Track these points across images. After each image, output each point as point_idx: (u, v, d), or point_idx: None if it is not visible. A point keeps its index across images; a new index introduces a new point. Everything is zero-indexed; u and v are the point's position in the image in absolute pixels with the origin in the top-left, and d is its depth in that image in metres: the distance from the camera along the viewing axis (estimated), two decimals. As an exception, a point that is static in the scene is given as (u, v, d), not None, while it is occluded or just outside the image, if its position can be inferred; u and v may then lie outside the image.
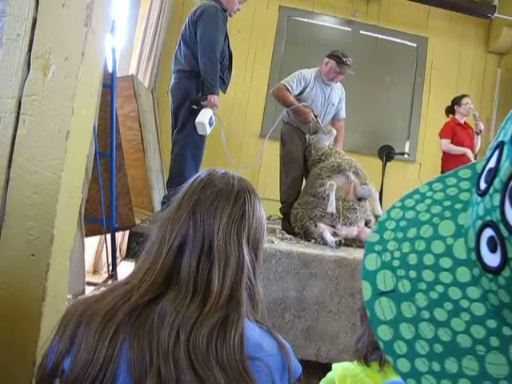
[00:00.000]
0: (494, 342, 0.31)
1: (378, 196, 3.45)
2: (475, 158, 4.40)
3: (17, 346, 1.26)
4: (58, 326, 0.80)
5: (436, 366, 0.32)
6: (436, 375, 0.31)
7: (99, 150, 2.52)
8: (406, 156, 5.40)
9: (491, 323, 0.32)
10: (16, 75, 1.34)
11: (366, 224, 3.39)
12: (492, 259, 0.31)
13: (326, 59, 3.71)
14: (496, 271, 0.31)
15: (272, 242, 2.88)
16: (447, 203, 0.40)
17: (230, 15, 3.32)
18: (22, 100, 1.35)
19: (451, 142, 4.44)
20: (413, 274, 0.36)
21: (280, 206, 3.81)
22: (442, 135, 4.52)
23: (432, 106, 5.70)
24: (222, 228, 0.84)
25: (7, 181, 1.32)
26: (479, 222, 0.32)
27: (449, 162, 4.44)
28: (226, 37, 3.26)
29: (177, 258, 0.83)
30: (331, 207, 3.16)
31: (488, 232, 0.31)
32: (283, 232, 3.44)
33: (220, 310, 0.80)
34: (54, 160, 1.35)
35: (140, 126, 3.55)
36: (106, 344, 0.75)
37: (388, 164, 5.02)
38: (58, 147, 1.35)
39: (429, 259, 0.36)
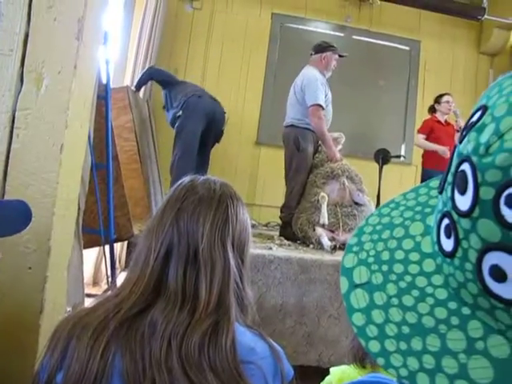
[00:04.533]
0: (455, 320, 0.35)
1: (373, 207, 3.46)
2: None
3: (15, 359, 1.26)
4: (49, 341, 0.80)
5: (403, 345, 0.35)
6: (403, 353, 0.35)
7: (95, 162, 2.52)
8: (402, 159, 5.40)
9: (452, 305, 0.36)
10: (9, 90, 1.35)
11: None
12: (448, 244, 0.35)
13: (321, 54, 3.74)
14: (452, 254, 0.35)
15: (270, 249, 2.88)
16: (418, 208, 0.45)
17: None
18: (16, 114, 1.36)
19: (427, 139, 4.47)
20: (385, 267, 0.41)
21: (279, 211, 3.79)
22: (419, 130, 4.61)
23: (427, 108, 5.72)
24: (206, 234, 0.84)
25: (3, 195, 1.32)
26: (439, 216, 0.37)
27: (429, 158, 4.51)
28: None
29: (164, 267, 0.84)
30: (323, 218, 3.18)
31: (445, 221, 0.35)
32: (281, 238, 3.44)
33: (210, 317, 0.80)
34: (48, 173, 1.36)
35: (136, 137, 3.55)
36: (98, 357, 0.74)
37: (384, 167, 5.01)
38: (52, 160, 1.36)
39: (399, 254, 0.41)
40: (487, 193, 0.30)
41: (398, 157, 5.27)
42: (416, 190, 0.48)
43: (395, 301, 0.38)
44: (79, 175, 1.59)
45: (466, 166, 0.32)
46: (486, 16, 5.35)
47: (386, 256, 0.41)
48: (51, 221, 1.34)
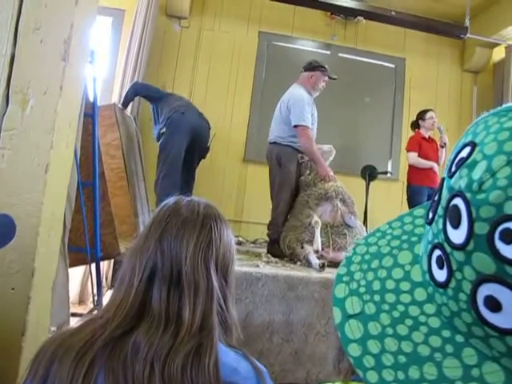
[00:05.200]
0: (449, 348, 0.36)
1: (365, 232, 3.48)
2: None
3: (-3, 382, 1.24)
4: (31, 364, 0.80)
5: (401, 375, 0.36)
6: (401, 383, 0.36)
7: (82, 180, 2.51)
8: (388, 175, 5.46)
9: (446, 333, 0.37)
10: (-6, 110, 1.36)
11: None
12: (441, 275, 0.36)
13: (309, 73, 3.77)
14: (445, 285, 0.36)
15: (257, 266, 2.87)
16: (404, 237, 0.46)
17: None
18: (1, 134, 1.36)
19: (418, 156, 4.49)
20: (377, 297, 0.41)
21: (266, 229, 3.79)
22: (409, 148, 4.58)
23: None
24: (190, 257, 0.85)
25: (-14, 215, 1.32)
26: (429, 246, 0.38)
27: (415, 174, 4.50)
28: None
29: (148, 289, 0.84)
30: (316, 244, 3.19)
31: (436, 252, 0.37)
32: (268, 255, 3.43)
33: (193, 339, 0.80)
34: (33, 193, 1.36)
35: (123, 154, 3.55)
36: (80, 380, 0.74)
37: (371, 184, 5.07)
38: (37, 180, 1.36)
39: (390, 284, 0.42)
40: (482, 228, 0.31)
41: (385, 173, 5.33)
42: (401, 219, 0.50)
43: (390, 330, 0.39)
44: (64, 195, 1.59)
45: (458, 201, 0.33)
46: (468, 35, 5.46)
47: (377, 286, 0.42)
48: (35, 241, 1.34)
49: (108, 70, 5.01)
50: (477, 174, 0.32)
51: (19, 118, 1.37)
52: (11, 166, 1.35)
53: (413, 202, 4.48)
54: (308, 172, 3.65)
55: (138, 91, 4.19)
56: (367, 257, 0.46)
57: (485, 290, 0.32)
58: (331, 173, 3.56)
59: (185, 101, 4.26)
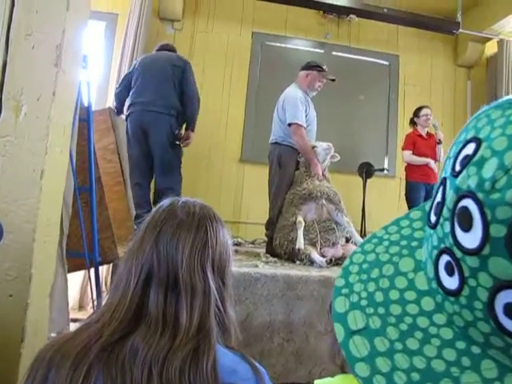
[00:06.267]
0: (466, 361, 0.33)
1: (353, 228, 3.51)
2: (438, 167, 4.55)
3: (-3, 389, 1.24)
4: (29, 371, 0.79)
5: None
6: None
7: (78, 185, 2.51)
8: (385, 172, 5.47)
9: (460, 344, 0.34)
10: (-12, 118, 1.36)
11: (348, 241, 3.43)
12: (451, 283, 0.33)
13: (305, 71, 3.77)
14: (456, 293, 0.33)
15: (256, 266, 2.88)
16: (404, 243, 0.43)
17: None
18: (-5, 142, 1.36)
19: (413, 153, 4.54)
20: (381, 310, 0.38)
21: (264, 229, 3.80)
22: (404, 147, 4.66)
23: (408, 120, 5.81)
24: (186, 259, 0.84)
25: (-18, 222, 1.31)
26: (435, 252, 0.35)
27: (412, 171, 4.57)
28: None
29: (144, 292, 0.84)
30: (299, 243, 3.19)
31: (444, 258, 0.34)
32: (267, 255, 3.44)
33: (191, 341, 0.80)
34: (29, 199, 1.36)
35: (119, 158, 3.55)
36: None
37: (368, 181, 5.08)
38: (32, 186, 1.36)
39: (394, 294, 0.39)
40: (498, 230, 0.29)
41: (382, 170, 5.34)
42: (397, 223, 0.46)
43: (399, 345, 0.36)
44: (60, 200, 1.59)
45: (468, 202, 0.31)
46: (460, 30, 5.48)
47: (380, 297, 0.39)
48: (32, 247, 1.34)
49: (102, 75, 5.00)
50: (488, 172, 0.30)
51: (13, 125, 1.37)
52: (6, 172, 1.35)
53: (410, 197, 4.55)
54: (304, 169, 3.64)
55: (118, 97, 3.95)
56: (365, 266, 0.43)
57: (504, 297, 0.30)
58: (320, 172, 3.56)
59: (135, 89, 3.77)
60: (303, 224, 3.26)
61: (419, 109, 4.69)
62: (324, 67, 3.79)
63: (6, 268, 1.31)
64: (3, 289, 1.29)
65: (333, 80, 3.85)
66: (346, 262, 0.44)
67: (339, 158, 3.78)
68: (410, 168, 4.64)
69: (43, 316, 1.43)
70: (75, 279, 3.58)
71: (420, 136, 4.61)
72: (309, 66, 3.80)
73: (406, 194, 4.66)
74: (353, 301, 0.40)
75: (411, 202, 4.53)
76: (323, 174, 3.59)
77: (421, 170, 4.49)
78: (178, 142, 3.68)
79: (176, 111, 3.70)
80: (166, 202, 0.95)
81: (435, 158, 4.55)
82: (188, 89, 3.77)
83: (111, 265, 3.75)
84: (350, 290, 0.41)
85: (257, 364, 0.86)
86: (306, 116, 3.64)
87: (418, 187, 4.49)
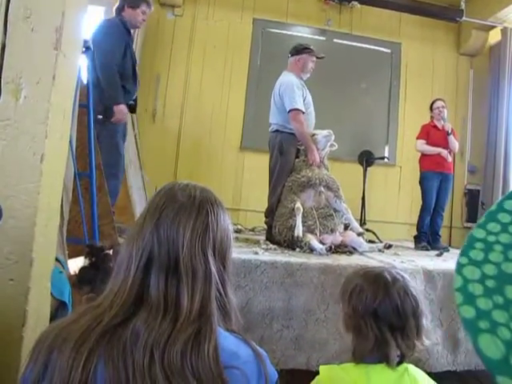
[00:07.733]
0: None
1: (351, 215, 3.53)
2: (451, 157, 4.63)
3: (-2, 372, 1.25)
4: (31, 354, 0.79)
5: None
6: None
7: (78, 171, 2.50)
8: (386, 160, 5.47)
9: None
10: (-13, 101, 1.34)
11: (346, 228, 3.44)
12: None
13: (296, 57, 3.78)
14: None
15: (256, 253, 2.88)
16: None
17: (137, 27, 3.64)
18: (-5, 125, 1.35)
19: (426, 143, 4.60)
20: None
21: (264, 216, 3.80)
22: (417, 136, 4.73)
23: (408, 109, 5.80)
24: (186, 243, 0.84)
25: (-18, 206, 1.31)
26: None
27: (425, 161, 4.65)
28: (128, 47, 3.38)
29: (145, 276, 0.83)
30: (297, 230, 3.21)
31: None
32: (267, 243, 3.44)
33: (192, 325, 0.80)
34: (29, 183, 1.35)
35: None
36: (80, 368, 0.74)
37: (369, 169, 5.08)
38: (33, 170, 1.35)
39: None
40: None
41: (382, 158, 5.34)
42: (494, 219, 0.48)
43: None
44: (61, 185, 1.58)
45: None
46: (464, 18, 5.43)
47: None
48: (33, 231, 1.33)
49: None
50: None
51: (12, 109, 1.36)
52: (6, 156, 1.34)
53: (423, 185, 4.63)
54: (303, 157, 3.63)
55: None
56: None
57: None
58: (317, 159, 3.55)
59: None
60: (301, 210, 3.27)
61: (433, 101, 4.74)
62: (311, 47, 3.81)
63: (7, 252, 1.30)
64: (4, 273, 1.29)
65: (322, 57, 3.85)
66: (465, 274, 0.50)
67: (337, 146, 3.77)
68: (422, 158, 4.70)
69: (45, 300, 1.43)
70: (76, 265, 3.58)
71: (435, 127, 4.67)
72: (297, 51, 3.80)
73: (419, 183, 4.70)
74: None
75: (425, 191, 4.59)
76: (322, 162, 3.58)
77: (433, 159, 4.56)
78: (100, 117, 3.20)
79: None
80: (166, 185, 0.94)
81: (447, 148, 4.56)
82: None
83: (111, 251, 3.76)
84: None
85: (258, 347, 0.86)
86: (304, 100, 3.64)
87: (431, 176, 4.57)
